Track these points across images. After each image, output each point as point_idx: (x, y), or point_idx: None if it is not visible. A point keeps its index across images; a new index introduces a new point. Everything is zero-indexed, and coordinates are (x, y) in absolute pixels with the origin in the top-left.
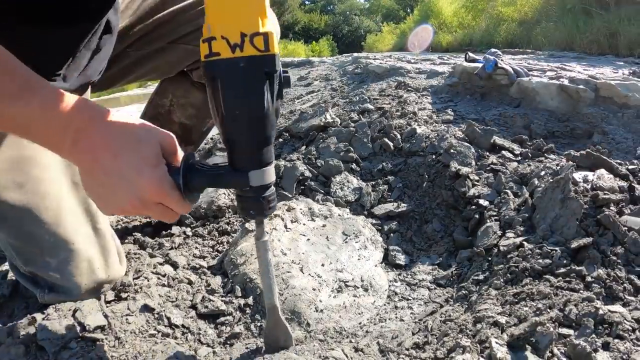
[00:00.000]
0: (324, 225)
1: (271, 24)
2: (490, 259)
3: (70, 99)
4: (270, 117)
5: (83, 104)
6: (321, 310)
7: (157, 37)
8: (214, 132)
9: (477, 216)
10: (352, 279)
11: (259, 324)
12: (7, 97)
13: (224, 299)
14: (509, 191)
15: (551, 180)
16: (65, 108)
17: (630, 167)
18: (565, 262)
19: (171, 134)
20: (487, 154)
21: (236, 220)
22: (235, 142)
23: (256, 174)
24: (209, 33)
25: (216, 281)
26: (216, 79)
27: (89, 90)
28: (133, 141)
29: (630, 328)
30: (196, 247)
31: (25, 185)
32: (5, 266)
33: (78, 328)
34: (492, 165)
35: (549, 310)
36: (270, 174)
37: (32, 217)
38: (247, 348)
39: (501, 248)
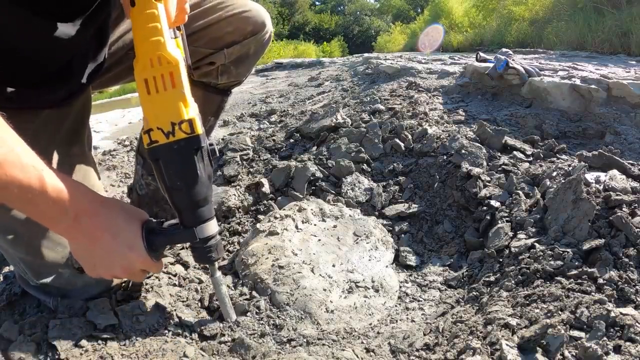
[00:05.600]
0: (334, 226)
1: (193, 110)
2: (501, 260)
3: (69, 182)
4: (204, 182)
5: (80, 187)
6: (332, 311)
7: None
8: (224, 132)
9: (488, 217)
10: (363, 280)
11: (270, 323)
12: (14, 167)
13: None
14: (520, 192)
15: (563, 181)
16: (66, 190)
17: None
18: (577, 263)
19: (143, 211)
20: (499, 154)
21: (247, 221)
22: (180, 206)
23: (200, 229)
24: (147, 125)
25: (227, 281)
26: (159, 160)
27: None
28: (123, 222)
29: None
30: None
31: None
32: None
33: (89, 327)
34: (503, 166)
35: (560, 312)
36: (212, 226)
37: (43, 231)
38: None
39: (512, 249)
